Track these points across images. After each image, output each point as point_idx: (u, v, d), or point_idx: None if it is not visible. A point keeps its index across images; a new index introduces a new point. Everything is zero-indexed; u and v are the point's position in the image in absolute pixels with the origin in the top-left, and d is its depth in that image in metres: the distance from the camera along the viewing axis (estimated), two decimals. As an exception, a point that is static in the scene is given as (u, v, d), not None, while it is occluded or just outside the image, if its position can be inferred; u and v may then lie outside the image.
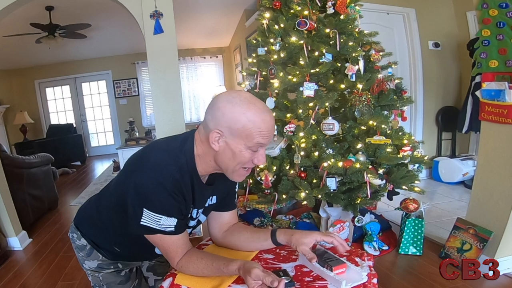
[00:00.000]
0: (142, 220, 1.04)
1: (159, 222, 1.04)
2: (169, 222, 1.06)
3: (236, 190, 1.37)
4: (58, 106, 8.63)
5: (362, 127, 2.64)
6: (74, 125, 8.24)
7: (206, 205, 1.25)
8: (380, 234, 2.81)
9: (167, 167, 1.05)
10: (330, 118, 2.57)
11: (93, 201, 1.37)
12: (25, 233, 3.44)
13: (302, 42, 2.64)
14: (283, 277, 1.03)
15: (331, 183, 2.50)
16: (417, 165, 2.69)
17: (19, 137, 7.61)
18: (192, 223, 1.26)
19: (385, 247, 2.72)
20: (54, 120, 8.55)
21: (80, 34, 5.80)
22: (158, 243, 1.11)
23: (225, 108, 0.99)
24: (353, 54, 2.58)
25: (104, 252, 1.35)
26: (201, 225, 3.21)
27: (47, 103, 8.53)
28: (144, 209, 1.03)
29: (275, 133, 2.73)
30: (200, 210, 1.24)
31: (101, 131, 9.02)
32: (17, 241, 3.25)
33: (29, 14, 4.85)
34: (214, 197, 1.26)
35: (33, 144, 6.98)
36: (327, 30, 2.65)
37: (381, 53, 2.75)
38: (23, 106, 7.86)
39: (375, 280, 1.09)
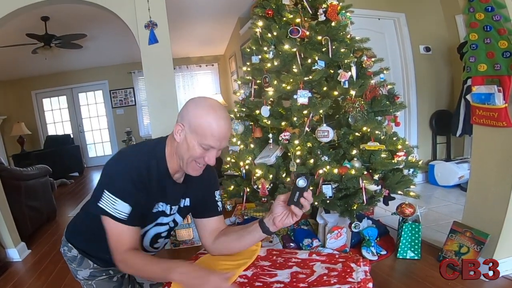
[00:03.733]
0: (100, 201, 1.14)
1: (115, 206, 1.13)
2: (123, 209, 1.13)
3: (217, 197, 1.42)
4: (55, 116, 8.63)
5: (357, 134, 2.66)
6: (72, 136, 8.25)
7: (181, 205, 1.33)
8: (378, 239, 2.82)
9: (137, 162, 1.18)
10: (324, 125, 2.59)
11: (81, 213, 1.43)
12: (24, 244, 3.43)
13: (295, 49, 2.67)
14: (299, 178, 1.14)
15: (327, 190, 2.51)
16: (412, 169, 2.71)
17: (16, 148, 7.59)
18: (166, 219, 1.32)
19: (383, 252, 2.72)
20: (51, 131, 8.53)
21: (76, 44, 5.83)
22: (108, 230, 1.16)
23: (191, 108, 1.16)
24: (346, 61, 2.60)
25: (95, 260, 1.39)
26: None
27: (44, 114, 8.52)
28: (105, 190, 1.14)
29: (271, 141, 2.75)
30: (174, 207, 1.31)
31: (98, 141, 9.00)
32: (16, 253, 3.24)
33: (25, 24, 4.87)
34: (188, 200, 1.35)
35: (31, 156, 6.98)
36: (319, 37, 2.67)
37: (373, 59, 2.77)
38: (20, 117, 7.85)
39: (370, 285, 1.11)
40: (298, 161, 2.59)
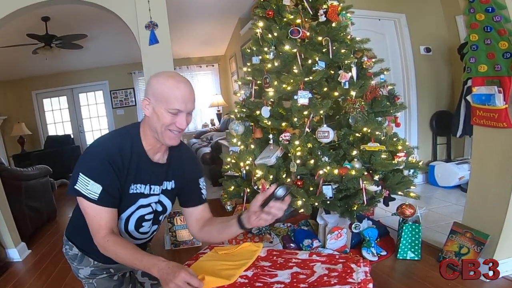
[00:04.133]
0: (76, 184, 1.19)
1: (87, 186, 1.18)
2: (95, 189, 1.18)
3: (201, 184, 1.49)
4: (56, 117, 8.61)
5: (357, 134, 2.66)
6: (72, 136, 8.23)
7: (164, 187, 1.37)
8: (378, 239, 2.82)
9: (110, 144, 1.25)
10: (324, 126, 2.59)
11: (77, 209, 1.42)
12: (24, 244, 3.44)
13: (295, 50, 2.67)
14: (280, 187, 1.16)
15: (328, 191, 2.52)
16: (412, 170, 2.71)
17: (16, 148, 7.59)
18: (146, 201, 1.34)
19: (384, 253, 2.72)
20: (51, 131, 8.51)
21: (76, 44, 5.83)
22: (84, 211, 1.22)
23: (152, 81, 1.24)
24: (346, 62, 2.61)
25: (94, 257, 1.41)
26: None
27: (45, 114, 8.49)
28: (80, 173, 1.19)
29: (271, 141, 2.75)
30: (154, 188, 1.33)
31: (98, 141, 8.97)
32: (16, 253, 3.25)
33: (26, 25, 4.87)
34: (173, 182, 1.39)
35: (31, 156, 6.98)
36: (320, 38, 2.67)
37: (373, 60, 2.77)
38: (20, 118, 7.84)
39: (370, 285, 1.11)
40: (298, 161, 2.60)
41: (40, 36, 5.22)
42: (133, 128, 1.32)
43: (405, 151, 2.60)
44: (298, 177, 2.63)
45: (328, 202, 2.59)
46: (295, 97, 2.58)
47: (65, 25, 5.38)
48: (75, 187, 1.19)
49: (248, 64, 2.99)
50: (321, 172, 2.49)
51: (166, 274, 1.05)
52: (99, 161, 1.20)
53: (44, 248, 3.55)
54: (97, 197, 1.18)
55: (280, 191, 1.15)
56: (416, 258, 2.62)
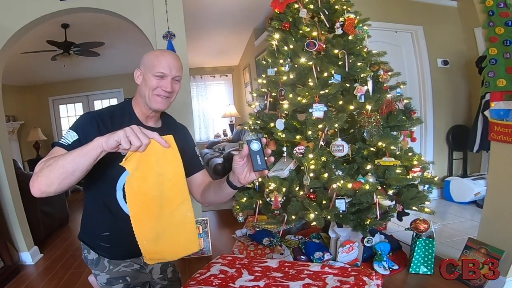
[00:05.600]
0: (60, 139, 1.23)
1: (66, 136, 1.22)
2: (70, 136, 1.21)
3: (197, 152, 1.59)
4: (71, 123, 8.64)
5: (372, 148, 2.64)
6: (86, 143, 8.33)
7: None
8: (390, 254, 2.79)
9: (102, 110, 1.37)
10: (339, 139, 2.57)
11: (85, 206, 1.47)
12: (37, 248, 3.49)
13: (311, 63, 2.66)
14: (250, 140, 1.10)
15: (341, 205, 2.49)
16: (427, 185, 2.68)
17: (31, 153, 7.69)
18: None
19: (395, 267, 2.69)
20: (66, 138, 8.61)
21: (93, 52, 5.92)
22: (48, 155, 1.17)
23: (144, 55, 1.38)
24: (362, 75, 2.60)
25: (101, 252, 1.42)
26: (209, 244, 3.22)
27: (60, 120, 8.60)
28: (68, 129, 1.25)
29: (285, 154, 2.74)
30: None
31: (112, 148, 9.06)
32: (28, 256, 3.30)
33: (46, 31, 4.96)
34: None
35: (46, 161, 7.05)
36: (336, 51, 2.67)
37: (389, 73, 2.75)
38: (36, 123, 7.96)
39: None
40: (312, 175, 2.58)
41: (59, 42, 5.31)
42: (126, 101, 1.47)
43: (420, 166, 2.57)
44: (311, 190, 2.61)
45: (341, 215, 2.56)
46: (310, 110, 2.57)
47: (84, 32, 5.48)
48: (57, 141, 1.21)
49: (263, 75, 2.99)
50: (334, 186, 2.47)
51: (110, 135, 0.98)
52: (87, 118, 1.28)
53: (56, 253, 3.59)
54: (68, 143, 1.19)
55: (256, 145, 1.09)
56: (428, 273, 2.58)
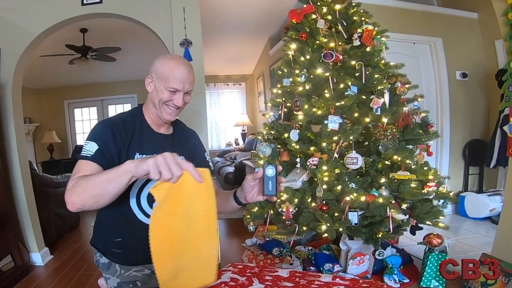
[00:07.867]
0: (82, 151, 1.24)
1: (86, 147, 1.24)
2: (91, 148, 1.23)
3: (208, 157, 1.62)
4: (85, 127, 8.82)
5: (386, 162, 2.61)
6: (99, 147, 8.41)
7: None
8: (401, 267, 2.74)
9: (115, 118, 1.39)
10: (353, 152, 2.54)
11: (98, 213, 1.49)
12: (47, 249, 3.52)
13: (327, 74, 2.63)
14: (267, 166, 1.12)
15: (353, 217, 2.46)
16: (442, 200, 2.63)
17: (45, 155, 7.81)
18: None
19: (406, 280, 2.65)
20: (80, 141, 8.71)
21: (110, 57, 6.01)
22: (75, 170, 1.21)
23: (156, 62, 1.36)
24: (379, 87, 2.56)
25: (113, 258, 1.43)
26: (219, 252, 3.20)
27: (75, 124, 8.74)
28: (86, 141, 1.26)
29: (298, 165, 2.72)
30: None
31: (124, 154, 9.12)
32: (39, 257, 3.34)
33: (65, 35, 5.05)
34: (182, 157, 1.36)
35: (60, 164, 7.16)
36: (353, 62, 2.64)
37: (407, 86, 2.72)
38: (51, 126, 8.10)
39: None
40: (325, 186, 2.55)
41: (77, 47, 5.42)
42: (137, 107, 1.48)
43: (436, 181, 2.52)
44: (324, 202, 2.58)
45: (353, 228, 2.53)
46: (325, 121, 2.55)
47: (101, 37, 5.58)
48: (80, 154, 1.23)
49: (278, 85, 2.97)
50: (347, 198, 2.45)
51: (141, 161, 0.97)
52: (101, 127, 1.30)
53: (66, 255, 3.62)
54: (91, 154, 1.21)
55: (271, 171, 1.11)
56: (440, 287, 2.53)
